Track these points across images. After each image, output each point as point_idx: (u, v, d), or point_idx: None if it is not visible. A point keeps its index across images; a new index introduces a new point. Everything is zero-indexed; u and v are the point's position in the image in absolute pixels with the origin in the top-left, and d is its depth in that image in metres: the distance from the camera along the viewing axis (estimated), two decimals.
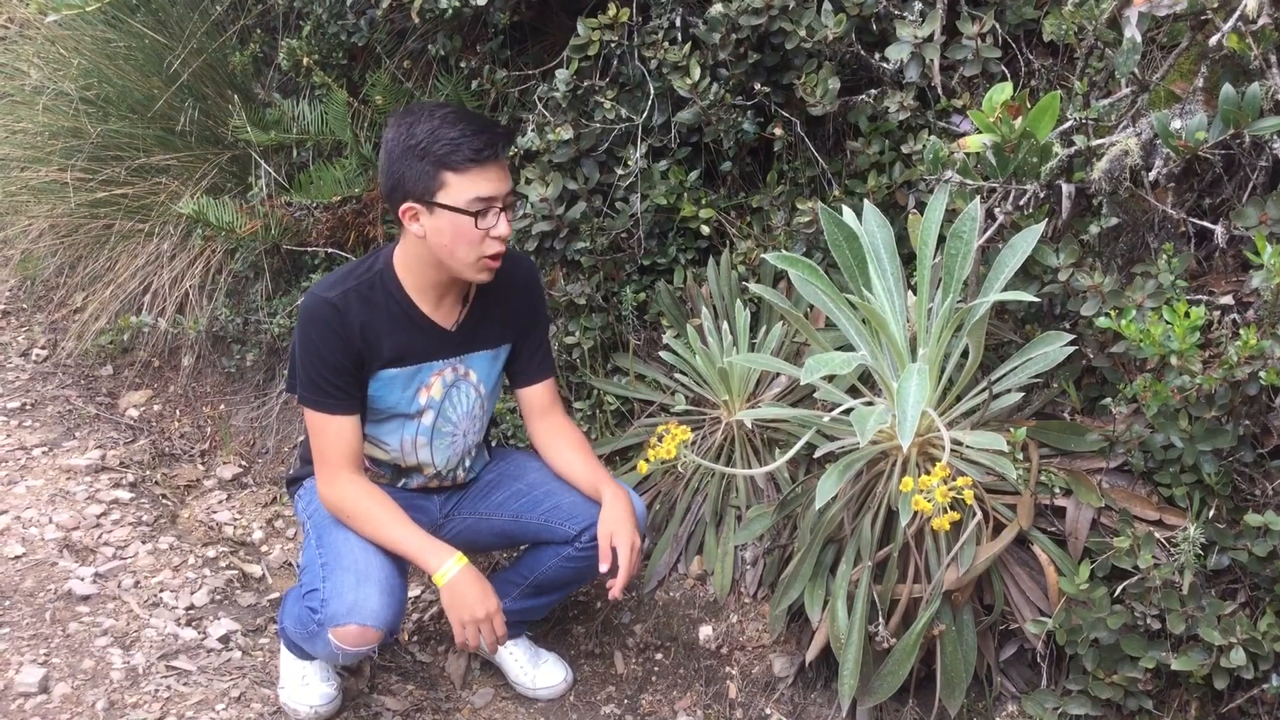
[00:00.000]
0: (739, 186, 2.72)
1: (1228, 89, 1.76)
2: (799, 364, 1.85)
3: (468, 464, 2.29)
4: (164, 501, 3.02)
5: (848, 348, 2.00)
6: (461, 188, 1.91)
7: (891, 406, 1.84)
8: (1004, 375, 2.00)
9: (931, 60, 2.22)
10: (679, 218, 2.68)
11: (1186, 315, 1.70)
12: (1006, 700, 2.10)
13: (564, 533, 2.18)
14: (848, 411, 1.77)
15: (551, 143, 2.57)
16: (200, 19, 3.13)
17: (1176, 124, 1.82)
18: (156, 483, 3.11)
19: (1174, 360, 1.74)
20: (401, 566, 2.08)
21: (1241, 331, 1.71)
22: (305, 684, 2.21)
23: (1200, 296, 1.93)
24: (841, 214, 1.95)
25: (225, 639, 2.42)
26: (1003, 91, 1.88)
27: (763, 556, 2.44)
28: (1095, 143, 1.93)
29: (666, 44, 2.43)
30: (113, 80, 3.31)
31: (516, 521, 2.24)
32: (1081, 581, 1.88)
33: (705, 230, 2.66)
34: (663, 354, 2.62)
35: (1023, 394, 2.05)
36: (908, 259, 2.09)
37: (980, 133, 1.91)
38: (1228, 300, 1.92)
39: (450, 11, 2.53)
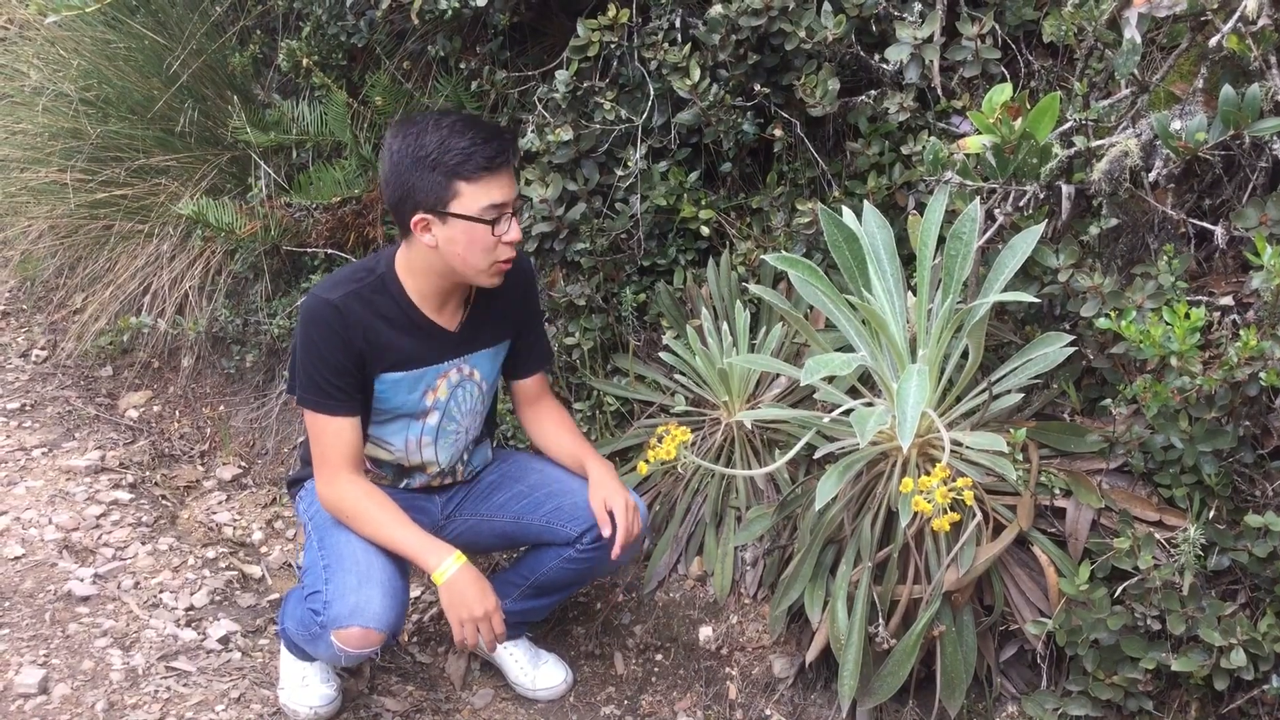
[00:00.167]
0: (739, 187, 2.72)
1: (1227, 90, 1.76)
2: (799, 365, 1.85)
3: (466, 458, 2.29)
4: (164, 502, 3.02)
5: (847, 349, 2.00)
6: (475, 196, 1.91)
7: (891, 407, 1.84)
8: (1004, 376, 2.00)
9: (931, 61, 2.22)
10: (679, 219, 2.68)
11: (1186, 316, 1.70)
12: (1006, 701, 2.10)
13: (566, 534, 2.18)
14: (848, 412, 1.77)
15: (551, 144, 2.57)
16: (200, 20, 3.13)
17: (1176, 125, 1.82)
18: (156, 484, 3.11)
19: (1174, 361, 1.74)
20: (403, 568, 2.08)
21: (1241, 332, 1.71)
22: (305, 685, 2.21)
23: (1200, 297, 1.93)
24: (841, 215, 1.95)
25: (225, 640, 2.42)
26: (1002, 92, 1.88)
27: (763, 557, 2.44)
28: (1095, 144, 1.93)
29: (666, 45, 2.43)
30: (112, 81, 3.31)
31: (518, 523, 2.24)
32: (1081, 582, 1.88)
33: (705, 231, 2.66)
34: (662, 355, 2.62)
35: (1023, 395, 2.05)
36: (907, 260, 2.09)
37: (980, 134, 1.92)
38: (1228, 301, 1.92)
39: (450, 13, 2.53)
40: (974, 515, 1.92)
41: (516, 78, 2.79)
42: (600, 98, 2.54)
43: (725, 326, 2.48)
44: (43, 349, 3.75)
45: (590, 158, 2.62)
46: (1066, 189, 1.96)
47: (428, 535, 2.05)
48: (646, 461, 1.91)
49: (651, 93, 2.51)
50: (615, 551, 2.11)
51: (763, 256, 2.30)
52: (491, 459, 2.37)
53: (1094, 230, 1.97)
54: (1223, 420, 1.82)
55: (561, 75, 2.53)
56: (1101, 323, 1.83)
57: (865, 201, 2.05)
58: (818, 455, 2.09)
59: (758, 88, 2.44)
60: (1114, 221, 1.97)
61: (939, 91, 2.24)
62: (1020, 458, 2.03)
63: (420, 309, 2.07)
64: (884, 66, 2.27)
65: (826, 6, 2.27)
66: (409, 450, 2.19)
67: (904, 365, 1.89)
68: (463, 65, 2.84)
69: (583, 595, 2.59)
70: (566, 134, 2.55)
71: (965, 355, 1.97)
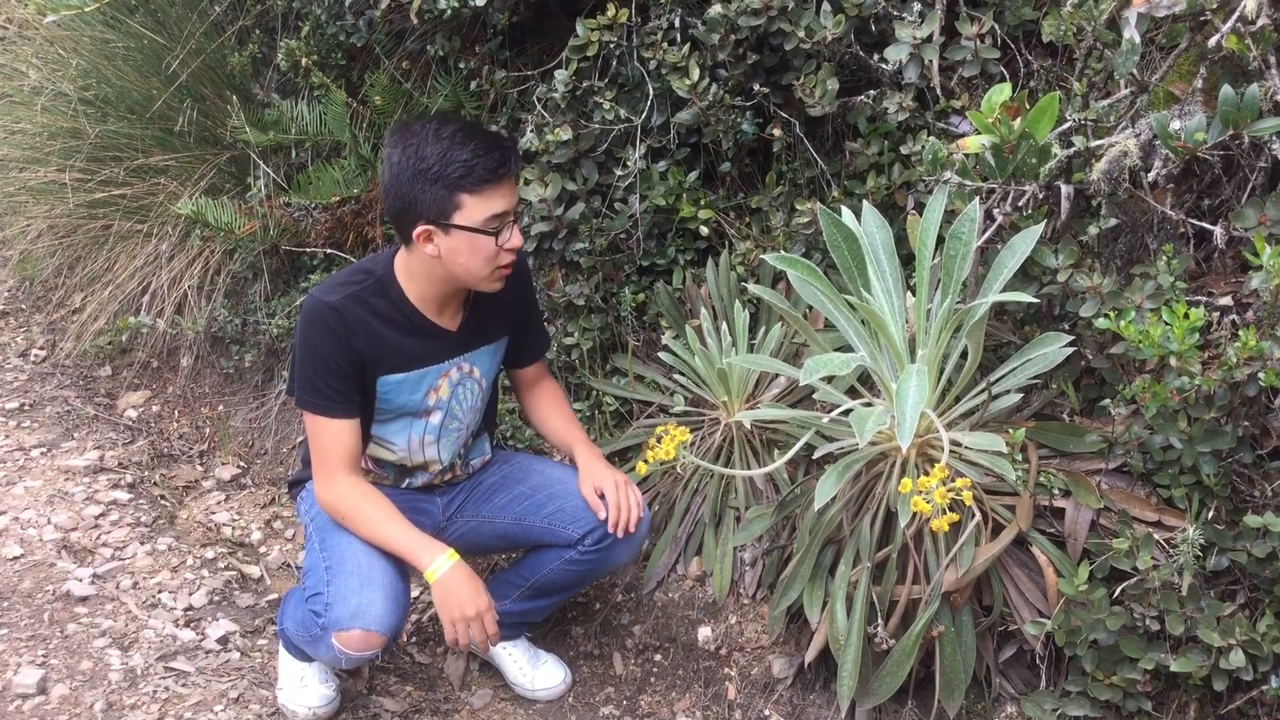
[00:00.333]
0: (738, 187, 2.72)
1: (1227, 90, 1.76)
2: (798, 365, 1.85)
3: (464, 453, 2.30)
4: (162, 502, 3.02)
5: (847, 349, 2.00)
6: (478, 208, 1.92)
7: (890, 407, 1.84)
8: (1003, 376, 2.00)
9: (930, 61, 2.21)
10: (678, 218, 2.68)
11: (1185, 316, 1.70)
12: (1005, 701, 2.10)
13: (567, 536, 2.18)
14: (847, 412, 1.77)
15: (550, 143, 2.57)
16: (199, 20, 3.13)
17: (1175, 125, 1.81)
18: (155, 484, 3.10)
19: (1173, 361, 1.74)
20: (404, 571, 2.08)
21: (1240, 333, 1.71)
22: (304, 685, 2.21)
23: (1199, 297, 1.93)
24: (840, 215, 1.95)
25: (223, 640, 2.42)
26: (1002, 92, 1.88)
27: (762, 557, 2.44)
28: (1094, 144, 1.93)
29: (665, 45, 2.43)
30: (111, 81, 3.31)
31: (520, 524, 2.24)
32: (1080, 583, 1.88)
33: (704, 231, 2.65)
34: (662, 355, 2.62)
35: (1022, 395, 2.05)
36: (907, 260, 2.09)
37: (979, 134, 1.91)
38: (1227, 301, 1.91)
39: (449, 12, 2.53)
40: (973, 515, 1.92)
41: (515, 77, 2.79)
42: (599, 97, 2.54)
43: (724, 326, 2.48)
44: (41, 349, 3.75)
45: (589, 157, 2.62)
46: (1066, 189, 1.96)
47: (422, 534, 2.05)
48: (645, 462, 1.91)
49: (651, 92, 2.51)
50: (612, 528, 2.12)
51: (762, 256, 2.30)
52: (490, 457, 2.37)
53: (1093, 230, 1.97)
54: (1222, 420, 1.81)
55: (560, 75, 2.53)
56: (1100, 323, 1.83)
57: (864, 201, 2.05)
58: (817, 455, 2.09)
59: (757, 87, 2.44)
60: (1113, 221, 1.97)
61: (938, 91, 2.24)
62: (1019, 458, 2.03)
63: (421, 311, 2.07)
64: (883, 66, 2.27)
65: (826, 6, 2.27)
66: (412, 449, 2.19)
67: (903, 365, 1.89)
68: (462, 65, 2.84)
69: (581, 595, 2.59)
70: (565, 134, 2.55)
71: (964, 355, 1.97)
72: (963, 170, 1.97)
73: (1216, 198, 1.98)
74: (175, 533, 2.87)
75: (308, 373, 2.03)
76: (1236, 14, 1.77)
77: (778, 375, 2.51)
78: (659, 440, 1.89)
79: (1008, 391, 2.03)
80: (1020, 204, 1.98)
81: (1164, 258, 1.88)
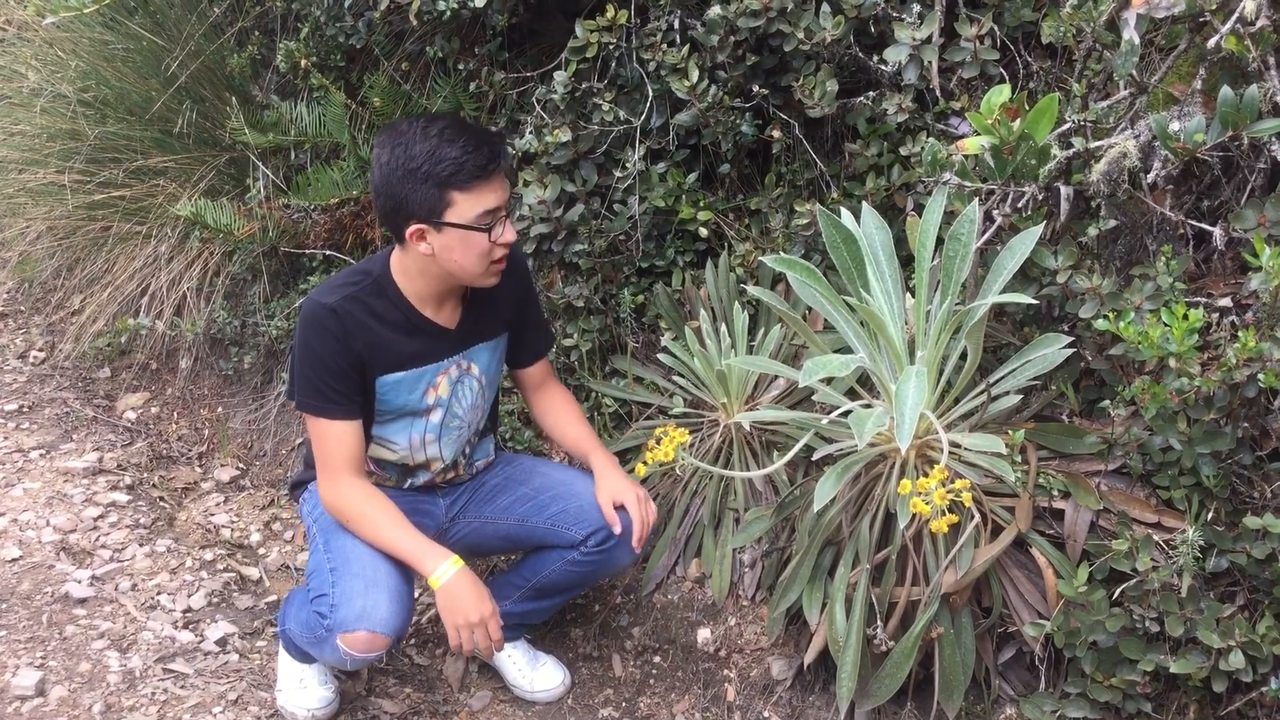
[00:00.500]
0: (737, 189, 2.71)
1: (1226, 91, 1.76)
2: (797, 366, 1.85)
3: (469, 452, 2.29)
4: (161, 504, 3.02)
5: (846, 350, 2.00)
6: (469, 205, 1.91)
7: (890, 409, 1.84)
8: (1002, 377, 2.00)
9: (930, 62, 2.21)
10: (677, 220, 2.68)
11: (1185, 317, 1.70)
12: (1005, 703, 2.10)
13: (570, 537, 2.18)
14: (846, 414, 1.77)
15: (549, 145, 2.56)
16: (198, 21, 3.13)
17: (1175, 126, 1.81)
18: (154, 485, 3.10)
19: (1172, 362, 1.74)
20: (408, 573, 2.08)
21: (1240, 334, 1.71)
22: (303, 687, 2.21)
23: (1199, 299, 1.92)
24: (840, 216, 1.95)
25: (222, 642, 2.42)
26: (1001, 93, 1.88)
27: (761, 559, 2.43)
28: (1094, 145, 1.93)
29: (665, 46, 2.43)
30: (110, 82, 3.31)
31: (523, 525, 2.24)
32: (1080, 584, 1.88)
33: (703, 232, 2.65)
34: (661, 356, 2.62)
35: (1021, 396, 2.05)
36: (906, 261, 2.09)
37: (979, 135, 1.91)
38: (1226, 302, 1.91)
39: (448, 14, 2.53)
40: (972, 517, 1.92)
41: (515, 79, 2.79)
42: (599, 99, 2.54)
43: (723, 328, 2.47)
44: (40, 350, 3.75)
45: (588, 159, 2.62)
46: (1065, 190, 1.96)
47: (425, 539, 2.05)
48: (645, 463, 1.91)
49: (650, 94, 2.51)
50: (635, 545, 2.13)
51: (761, 258, 2.30)
52: (494, 458, 2.37)
53: (1092, 231, 1.97)
54: (1221, 422, 1.81)
55: (560, 76, 2.53)
56: (1100, 324, 1.83)
57: (864, 203, 2.05)
58: (816, 457, 2.08)
59: (756, 89, 2.44)
60: (1112, 223, 1.97)
61: (937, 92, 2.24)
62: (1019, 459, 2.02)
63: (419, 310, 2.07)
64: (882, 67, 2.27)
65: (825, 7, 2.27)
66: (413, 448, 2.18)
67: (902, 367, 1.89)
68: (461, 66, 2.84)
69: (581, 597, 2.58)
70: (565, 135, 2.55)
71: (964, 357, 1.97)
72: (962, 171, 1.97)
73: (1216, 199, 1.98)
74: (174, 534, 2.87)
75: (308, 375, 2.02)
76: (1236, 15, 1.77)
77: (777, 377, 2.51)
78: (658, 442, 1.89)
79: (1007, 393, 2.02)
80: (1019, 205, 1.98)
81: (1163, 259, 1.88)
